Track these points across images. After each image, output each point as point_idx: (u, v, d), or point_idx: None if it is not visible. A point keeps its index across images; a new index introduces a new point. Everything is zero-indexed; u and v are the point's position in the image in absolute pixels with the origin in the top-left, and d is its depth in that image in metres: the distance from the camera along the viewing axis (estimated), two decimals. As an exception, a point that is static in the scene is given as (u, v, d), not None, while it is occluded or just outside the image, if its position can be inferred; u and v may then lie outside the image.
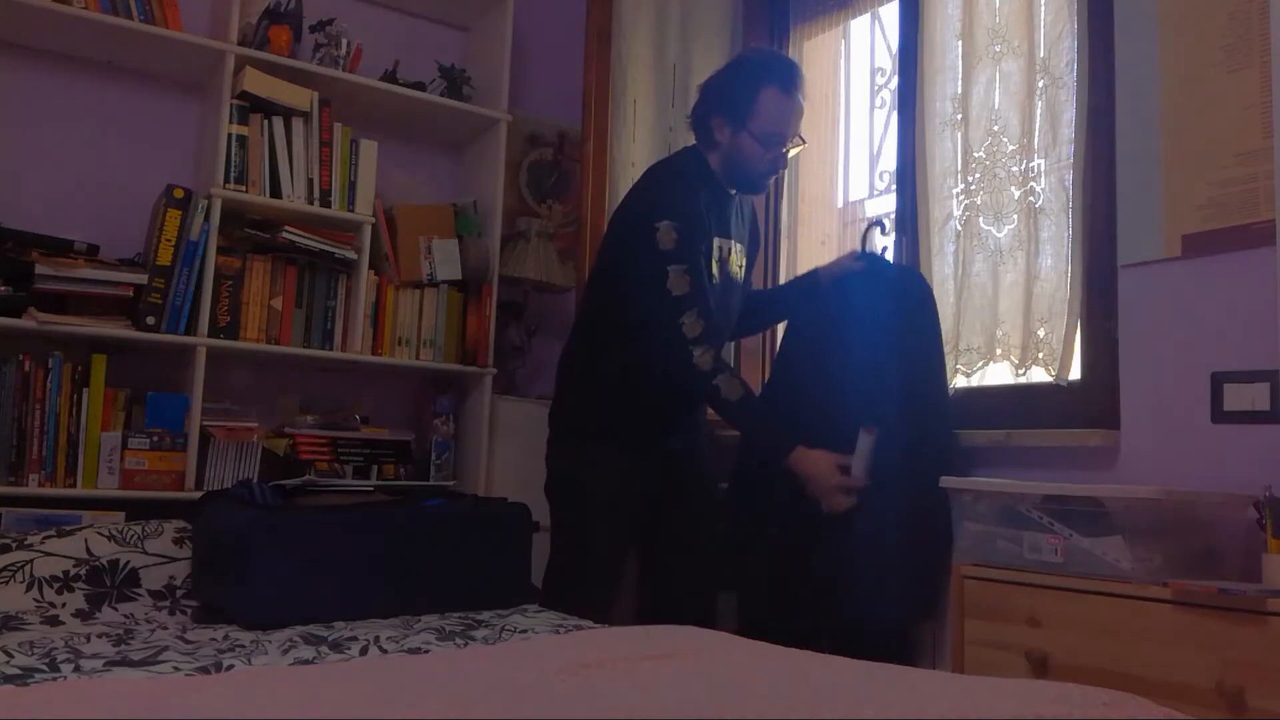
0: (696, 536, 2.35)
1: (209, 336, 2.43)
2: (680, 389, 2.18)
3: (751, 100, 2.19)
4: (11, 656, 1.45)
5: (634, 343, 2.19)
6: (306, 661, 1.51)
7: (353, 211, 2.65)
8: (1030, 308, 2.20)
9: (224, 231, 2.48)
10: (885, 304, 2.25)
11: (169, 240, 2.38)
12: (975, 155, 2.36)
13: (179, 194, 2.41)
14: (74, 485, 2.28)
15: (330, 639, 1.69)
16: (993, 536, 1.85)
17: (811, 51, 3.10)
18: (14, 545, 1.96)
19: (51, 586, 1.93)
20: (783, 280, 2.96)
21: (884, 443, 2.09)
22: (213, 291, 2.44)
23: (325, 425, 2.64)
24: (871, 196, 2.87)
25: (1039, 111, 2.25)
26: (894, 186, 2.69)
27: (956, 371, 2.33)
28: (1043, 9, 2.27)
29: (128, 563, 2.02)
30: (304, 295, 2.60)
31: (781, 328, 2.62)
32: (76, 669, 1.39)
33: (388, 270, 2.73)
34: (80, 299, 2.32)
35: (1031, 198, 2.25)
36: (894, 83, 2.77)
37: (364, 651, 1.61)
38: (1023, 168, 2.27)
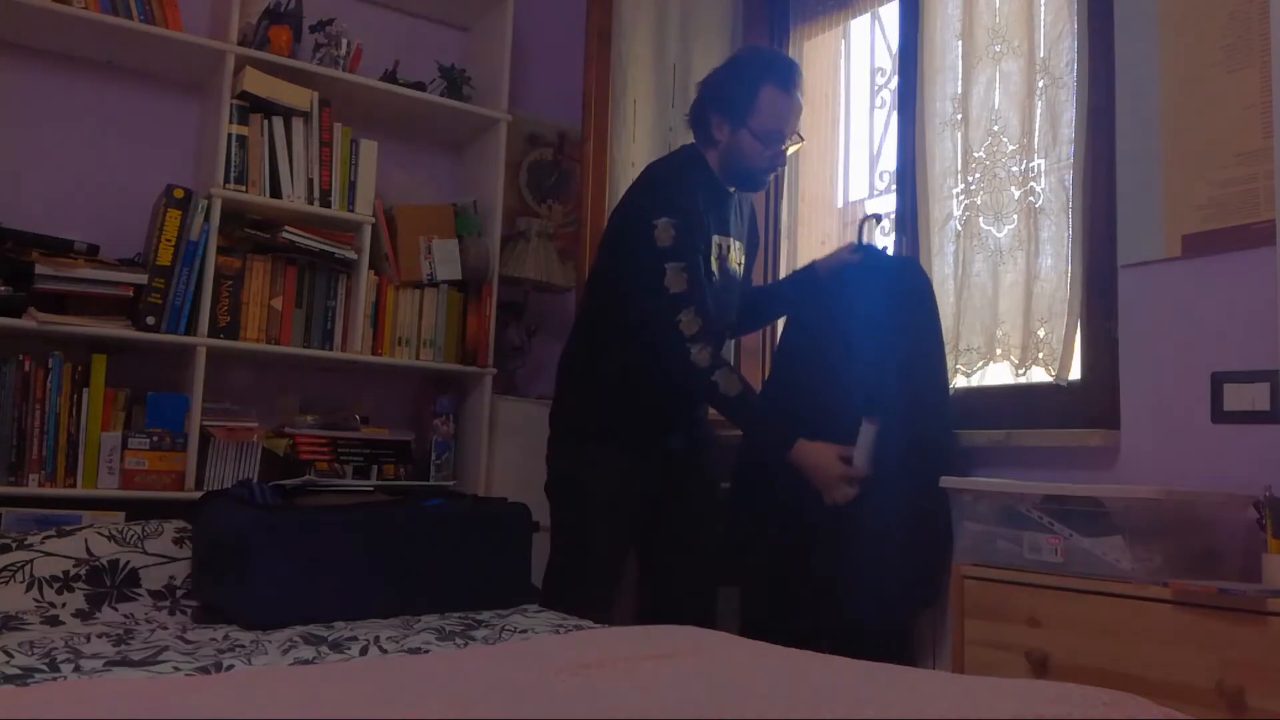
0: (696, 536, 2.35)
1: (209, 336, 2.43)
2: (679, 387, 2.18)
3: (751, 98, 2.19)
4: (11, 656, 1.45)
5: (634, 343, 2.19)
6: (306, 661, 1.51)
7: (353, 211, 2.65)
8: (1030, 308, 2.21)
9: (224, 231, 2.48)
10: (883, 295, 2.25)
11: (169, 240, 2.38)
12: (975, 155, 2.36)
13: (179, 194, 2.41)
14: (74, 485, 2.28)
15: (330, 639, 1.68)
16: (993, 536, 1.85)
17: (811, 51, 3.10)
18: (14, 545, 1.96)
19: (51, 586, 1.93)
20: (783, 279, 2.95)
21: (886, 432, 2.09)
22: (213, 291, 2.44)
23: (325, 425, 2.64)
24: (871, 196, 2.87)
25: (1039, 111, 2.25)
26: (894, 186, 2.69)
27: (956, 371, 2.33)
28: (1043, 9, 2.27)
29: (128, 563, 2.02)
30: (304, 295, 2.60)
31: (781, 323, 2.62)
32: (76, 669, 1.39)
33: (388, 270, 2.73)
34: (80, 299, 2.32)
35: (1031, 198, 2.25)
36: (894, 83, 2.77)
37: (364, 651, 1.61)
38: (1023, 168, 2.27)
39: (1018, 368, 2.23)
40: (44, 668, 1.39)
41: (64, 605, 1.91)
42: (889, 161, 2.78)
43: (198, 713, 1.06)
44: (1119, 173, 2.03)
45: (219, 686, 1.24)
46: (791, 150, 2.29)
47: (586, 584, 2.23)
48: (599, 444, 2.25)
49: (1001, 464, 2.16)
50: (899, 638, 2.17)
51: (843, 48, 3.05)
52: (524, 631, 1.80)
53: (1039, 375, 2.19)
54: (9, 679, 1.32)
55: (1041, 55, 2.26)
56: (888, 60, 2.86)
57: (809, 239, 3.01)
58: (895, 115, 2.70)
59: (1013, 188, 2.29)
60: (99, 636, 1.67)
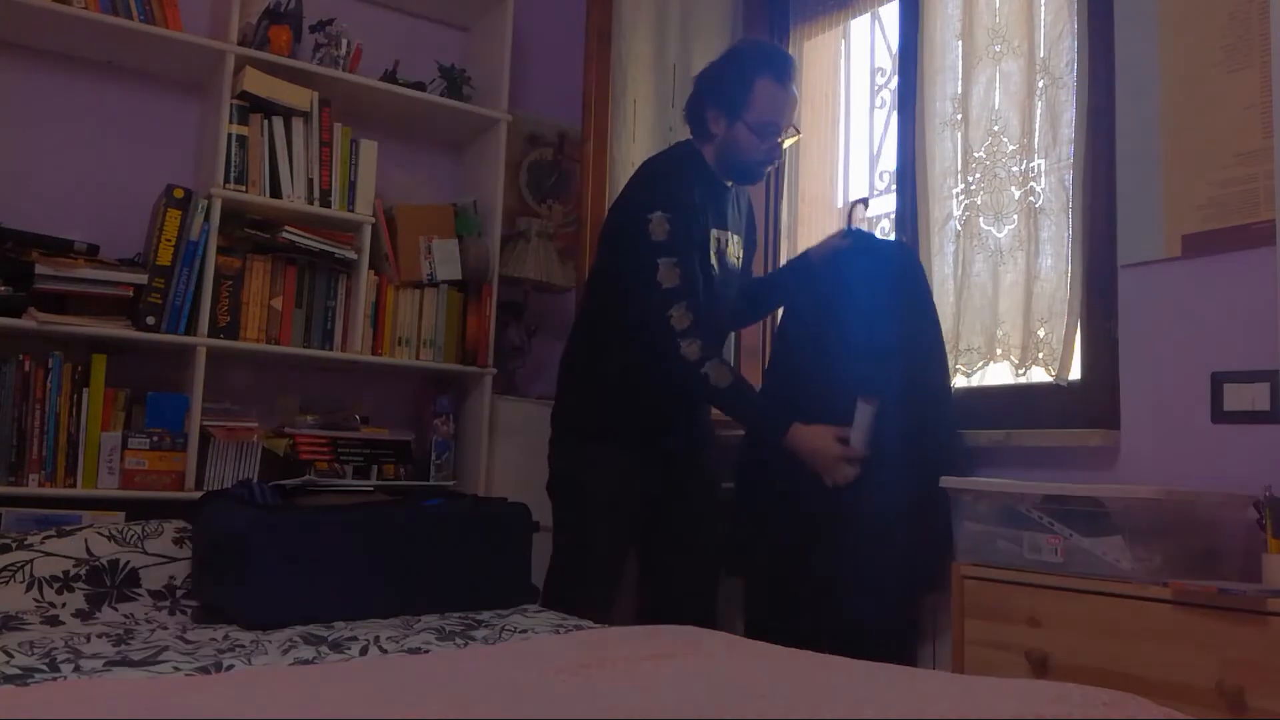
0: (696, 536, 2.36)
1: (209, 336, 2.43)
2: (678, 386, 2.18)
3: (746, 91, 2.19)
4: (11, 656, 1.45)
5: (634, 342, 2.19)
6: (306, 661, 1.51)
7: (353, 211, 2.65)
8: (1030, 308, 2.21)
9: (224, 231, 2.48)
10: (874, 276, 2.27)
11: (169, 240, 2.38)
12: (975, 155, 2.36)
13: (179, 194, 2.41)
14: (74, 485, 2.28)
15: (330, 639, 1.69)
16: (993, 536, 1.85)
17: (811, 51, 3.10)
18: (14, 545, 1.96)
19: (51, 586, 1.93)
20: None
21: (884, 412, 2.09)
22: (213, 291, 2.44)
23: (325, 425, 2.64)
24: (872, 196, 2.87)
25: (1039, 111, 2.25)
26: (894, 186, 2.69)
27: (956, 371, 2.33)
28: (1043, 9, 2.27)
29: (128, 563, 2.02)
30: (304, 295, 2.60)
31: (778, 315, 2.63)
32: (76, 669, 1.39)
33: (388, 270, 2.73)
34: (80, 299, 2.32)
35: (1031, 198, 2.25)
36: (894, 83, 2.77)
37: (364, 651, 1.61)
38: (1023, 168, 2.27)
39: (1018, 368, 2.23)
40: (44, 668, 1.39)
41: (64, 605, 1.91)
42: (889, 161, 2.78)
43: (198, 713, 1.06)
44: (1119, 173, 2.03)
45: (219, 686, 1.24)
46: (788, 143, 2.29)
47: (587, 584, 2.23)
48: (599, 444, 2.26)
49: (1001, 464, 2.17)
50: (899, 638, 2.17)
51: (843, 48, 3.05)
52: (524, 631, 1.80)
53: (1039, 375, 2.19)
54: (9, 679, 1.32)
55: (1041, 55, 2.26)
56: (888, 60, 2.86)
57: (809, 239, 3.01)
58: (895, 115, 2.70)
59: (1013, 188, 2.29)
60: (99, 636, 1.67)
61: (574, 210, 3.14)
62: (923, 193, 2.44)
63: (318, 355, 2.61)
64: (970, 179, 2.37)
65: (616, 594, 2.30)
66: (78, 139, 2.56)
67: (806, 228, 3.01)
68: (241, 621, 1.82)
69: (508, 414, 2.82)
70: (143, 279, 2.35)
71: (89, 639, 1.64)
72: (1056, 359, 2.13)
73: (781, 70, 2.22)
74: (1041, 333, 2.19)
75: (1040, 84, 2.26)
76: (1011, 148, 2.30)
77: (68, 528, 2.06)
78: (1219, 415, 1.83)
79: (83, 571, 1.97)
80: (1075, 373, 2.14)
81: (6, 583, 1.90)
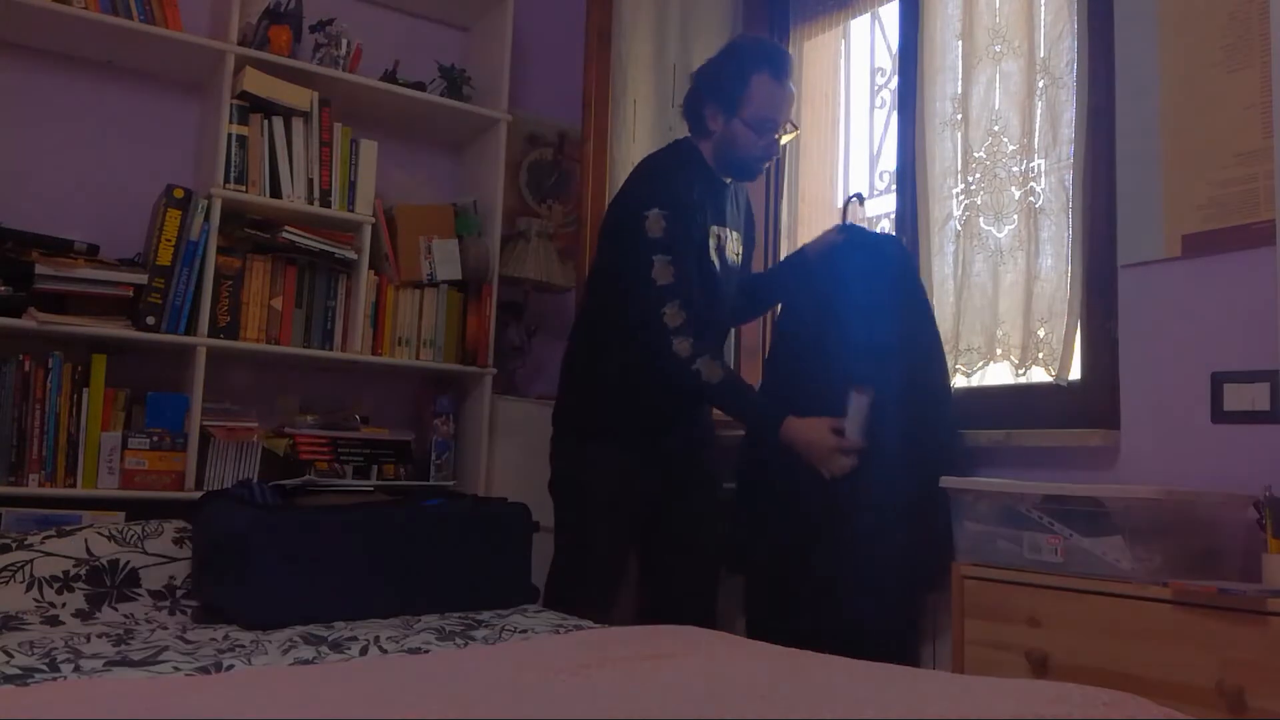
0: (697, 536, 2.36)
1: (209, 336, 2.43)
2: (670, 382, 2.17)
3: (743, 87, 2.20)
4: (11, 656, 1.45)
5: (634, 342, 2.19)
6: (306, 661, 1.51)
7: (353, 211, 2.65)
8: (1030, 308, 2.21)
9: (224, 231, 2.48)
10: (868, 271, 2.28)
11: (169, 240, 2.38)
12: (975, 155, 2.36)
13: (179, 194, 2.41)
14: (74, 485, 2.28)
15: (330, 639, 1.69)
16: (993, 536, 1.85)
17: (811, 51, 3.10)
18: (14, 545, 1.96)
19: (51, 586, 1.93)
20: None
21: (879, 402, 2.10)
22: (213, 291, 2.44)
23: (325, 425, 2.64)
24: (871, 196, 2.87)
25: (1039, 111, 2.25)
26: (894, 186, 2.69)
27: (956, 371, 2.33)
28: (1043, 9, 2.27)
29: (128, 563, 2.02)
30: (304, 295, 2.60)
31: (777, 312, 2.64)
32: (76, 669, 1.39)
33: (388, 270, 2.73)
34: (80, 299, 2.32)
35: (1031, 198, 2.25)
36: (894, 83, 2.77)
37: (364, 651, 1.61)
38: (1023, 168, 2.27)
39: (1018, 368, 2.23)
40: (44, 668, 1.39)
41: (64, 605, 1.91)
42: (889, 161, 2.78)
43: (198, 713, 1.06)
44: (1119, 173, 2.03)
45: (219, 686, 1.24)
46: (785, 140, 2.29)
47: (587, 584, 2.23)
48: (599, 444, 2.26)
49: (1001, 464, 2.17)
50: (899, 637, 2.17)
51: (843, 48, 3.05)
52: (524, 631, 1.80)
53: (1039, 375, 2.19)
54: (9, 679, 1.32)
55: (1041, 55, 2.26)
56: (888, 60, 2.86)
57: (809, 239, 3.00)
58: (895, 115, 2.70)
59: (1013, 188, 2.29)
60: (99, 636, 1.67)
61: (574, 210, 3.14)
62: (923, 193, 2.44)
63: (318, 355, 2.61)
64: (970, 179, 2.37)
65: (617, 594, 2.30)
66: (78, 139, 2.56)
67: (806, 227, 3.01)
68: (241, 621, 1.82)
69: (508, 414, 2.82)
70: (143, 279, 2.35)
71: (89, 639, 1.64)
72: (1056, 359, 2.13)
73: (779, 67, 2.22)
74: (1041, 333, 2.19)
75: (1040, 84, 2.26)
76: (1011, 148, 2.30)
77: (68, 528, 2.06)
78: (1219, 415, 1.83)
79: (83, 571, 1.97)
80: (1075, 373, 2.14)
81: (6, 583, 1.90)
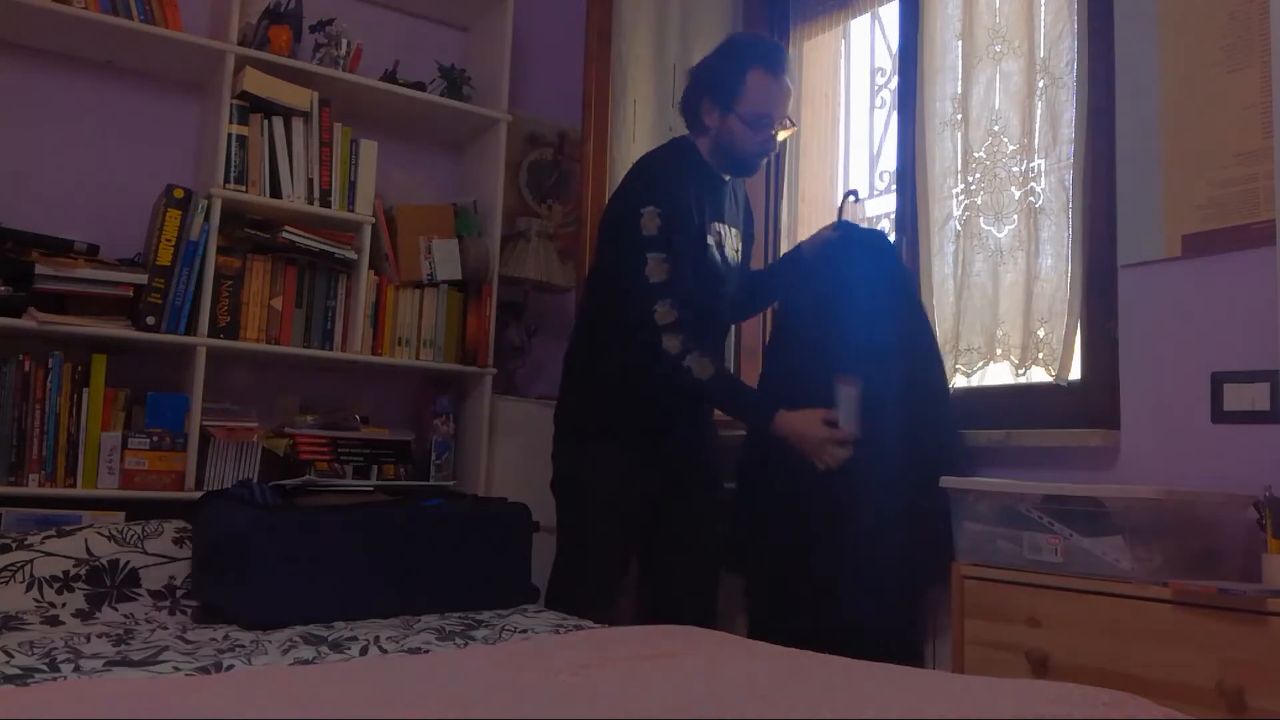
0: (696, 536, 2.35)
1: (209, 336, 2.43)
2: (664, 380, 2.17)
3: (738, 82, 2.20)
4: (11, 656, 1.45)
5: (634, 342, 2.19)
6: (306, 661, 1.51)
7: (353, 211, 2.65)
8: (1030, 308, 2.21)
9: (224, 231, 2.48)
10: (860, 266, 2.30)
11: (169, 240, 2.38)
12: (975, 155, 2.36)
13: (179, 194, 2.41)
14: (74, 485, 2.28)
15: (330, 639, 1.69)
16: (993, 536, 1.85)
17: (811, 51, 3.10)
18: (14, 545, 1.96)
19: (51, 586, 1.93)
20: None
21: (869, 393, 2.10)
22: (213, 291, 2.44)
23: (325, 425, 2.64)
24: (871, 196, 2.87)
25: (1039, 111, 2.25)
26: (894, 186, 2.69)
27: (956, 371, 2.33)
28: (1043, 9, 2.27)
29: (128, 563, 2.02)
30: (304, 295, 2.60)
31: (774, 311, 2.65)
32: (76, 669, 1.39)
33: (388, 270, 2.73)
34: (80, 299, 2.32)
35: (1031, 198, 2.25)
36: (894, 83, 2.77)
37: (364, 651, 1.61)
38: (1023, 168, 2.27)
39: (1018, 368, 2.23)
40: (44, 668, 1.39)
41: (64, 605, 1.91)
42: (889, 161, 2.78)
43: (198, 713, 1.06)
44: (1119, 173, 2.03)
45: (219, 686, 1.24)
46: (782, 136, 2.29)
47: (588, 584, 2.23)
48: (599, 444, 2.26)
49: (1001, 464, 2.17)
50: (899, 638, 2.17)
51: (843, 48, 3.05)
52: (524, 631, 1.80)
53: (1039, 375, 2.19)
54: (9, 679, 1.32)
55: (1041, 55, 2.26)
56: (888, 60, 2.86)
57: (809, 239, 3.01)
58: (895, 115, 2.70)
59: (1013, 188, 2.29)
60: (99, 636, 1.67)
61: (574, 210, 3.14)
62: (923, 193, 2.44)
63: (318, 355, 2.61)
64: (970, 179, 2.37)
65: (618, 594, 2.30)
66: (78, 139, 2.56)
67: (806, 227, 3.01)
68: (241, 621, 1.82)
69: (508, 414, 2.82)
70: (143, 279, 2.35)
71: (89, 639, 1.64)
72: (1056, 359, 2.13)
73: (774, 62, 2.22)
74: (1041, 333, 2.19)
75: (1040, 84, 2.26)
76: (1011, 148, 2.30)
77: (68, 528, 2.06)
78: (1219, 415, 1.83)
79: (83, 571, 1.97)
80: (1075, 373, 2.14)
81: (6, 583, 1.90)
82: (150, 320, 2.35)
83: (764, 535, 2.36)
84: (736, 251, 2.36)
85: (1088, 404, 2.09)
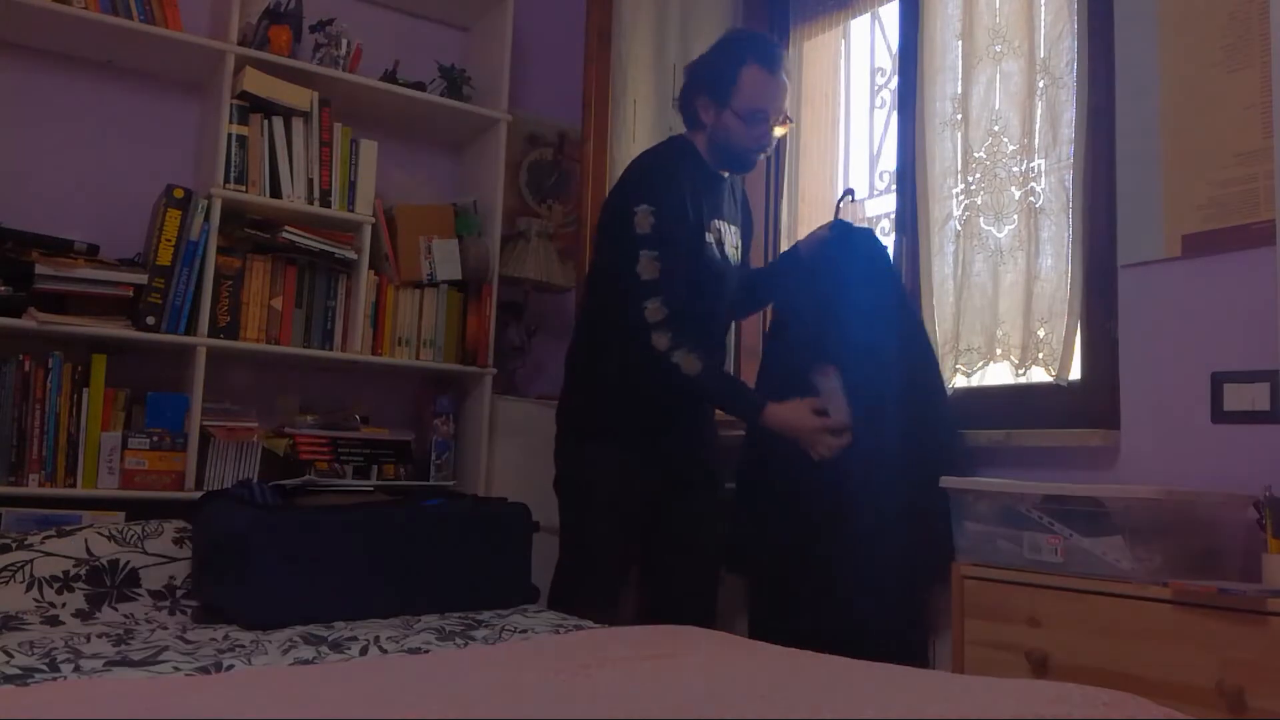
0: (697, 536, 2.35)
1: (209, 336, 2.43)
2: (655, 377, 2.17)
3: (733, 77, 2.20)
4: (11, 656, 1.45)
5: (633, 342, 2.19)
6: (306, 661, 1.51)
7: (353, 211, 2.65)
8: (1030, 308, 2.20)
9: (224, 231, 2.48)
10: (852, 264, 2.31)
11: (169, 240, 2.38)
12: (975, 155, 2.36)
13: (179, 194, 2.41)
14: (74, 485, 2.28)
15: (330, 639, 1.69)
16: (993, 536, 1.85)
17: (811, 51, 3.10)
18: (14, 545, 1.96)
19: (51, 586, 1.93)
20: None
21: (851, 380, 2.11)
22: (213, 291, 2.44)
23: (325, 425, 2.64)
24: (871, 196, 2.87)
25: (1039, 111, 2.25)
26: (894, 186, 2.69)
27: (956, 371, 2.33)
28: (1043, 9, 2.27)
29: (128, 563, 2.02)
30: (304, 295, 2.60)
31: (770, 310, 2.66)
32: (76, 669, 1.39)
33: (388, 270, 2.73)
34: (80, 299, 2.32)
35: (1031, 198, 2.25)
36: (894, 83, 2.77)
37: (364, 651, 1.61)
38: (1023, 168, 2.27)
39: (1018, 368, 2.23)
40: (44, 668, 1.39)
41: (64, 605, 1.91)
42: (889, 161, 2.78)
43: (198, 713, 1.06)
44: (1119, 173, 2.03)
45: (219, 686, 1.24)
46: (779, 132, 2.29)
47: (590, 583, 2.23)
48: (599, 444, 2.26)
49: (1001, 464, 2.17)
50: (899, 637, 2.17)
51: (843, 48, 3.05)
52: (524, 631, 1.80)
53: (1039, 375, 2.19)
54: (9, 679, 1.32)
55: (1041, 55, 2.26)
56: (888, 60, 2.86)
57: (809, 239, 3.01)
58: (895, 115, 2.70)
59: (1013, 188, 2.29)
60: (99, 636, 1.67)
61: (574, 210, 3.14)
62: (923, 193, 2.44)
63: (318, 355, 2.61)
64: (970, 179, 2.37)
65: (620, 593, 2.30)
66: (78, 139, 2.56)
67: (807, 227, 3.01)
68: (241, 621, 1.82)
69: (508, 414, 2.82)
70: (143, 279, 2.35)
71: (89, 639, 1.64)
72: (1056, 359, 2.13)
73: (768, 57, 2.22)
74: (1041, 333, 2.18)
75: (1040, 84, 2.25)
76: (1011, 148, 2.30)
77: (68, 528, 2.06)
78: (1219, 415, 1.83)
79: (83, 571, 1.97)
80: (1075, 373, 2.14)
81: (6, 583, 1.90)
82: (150, 320, 2.35)
83: (764, 535, 2.36)
84: (736, 248, 2.37)
85: (1088, 404, 2.09)
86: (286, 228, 2.53)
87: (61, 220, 2.45)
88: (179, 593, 2.04)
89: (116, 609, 1.95)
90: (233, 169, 2.49)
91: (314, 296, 2.61)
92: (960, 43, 2.41)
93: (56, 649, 1.53)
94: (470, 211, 2.91)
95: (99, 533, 2.05)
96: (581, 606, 2.10)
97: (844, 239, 2.36)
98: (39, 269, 2.23)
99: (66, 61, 2.55)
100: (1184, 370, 1.89)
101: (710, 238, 2.24)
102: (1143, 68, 2.00)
